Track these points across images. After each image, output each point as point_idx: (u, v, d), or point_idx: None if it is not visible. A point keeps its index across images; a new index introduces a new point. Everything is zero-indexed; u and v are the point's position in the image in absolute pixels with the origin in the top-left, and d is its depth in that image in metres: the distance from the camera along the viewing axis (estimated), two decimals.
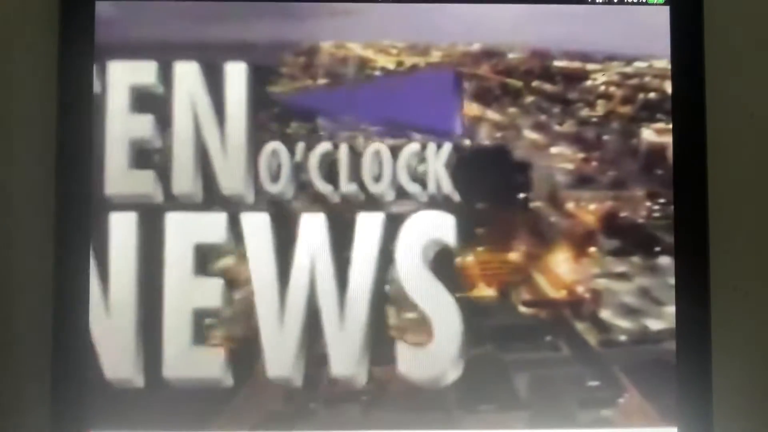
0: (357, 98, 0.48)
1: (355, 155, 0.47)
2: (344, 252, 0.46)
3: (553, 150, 0.50)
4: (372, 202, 0.47)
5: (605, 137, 0.52)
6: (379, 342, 0.46)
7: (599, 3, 0.52)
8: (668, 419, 0.50)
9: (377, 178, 0.47)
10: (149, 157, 0.46)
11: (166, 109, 0.46)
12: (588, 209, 0.51)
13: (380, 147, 0.47)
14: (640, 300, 0.51)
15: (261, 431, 0.46)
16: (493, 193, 0.48)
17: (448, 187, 0.48)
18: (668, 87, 0.53)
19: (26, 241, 0.49)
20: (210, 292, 0.45)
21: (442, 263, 0.47)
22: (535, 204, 0.49)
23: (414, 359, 0.46)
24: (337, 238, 0.46)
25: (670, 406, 0.50)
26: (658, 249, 0.51)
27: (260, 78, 0.47)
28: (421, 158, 0.47)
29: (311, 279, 0.46)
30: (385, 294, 0.47)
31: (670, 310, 0.51)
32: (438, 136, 0.48)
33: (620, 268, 0.51)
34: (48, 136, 0.48)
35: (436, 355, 0.47)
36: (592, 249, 0.50)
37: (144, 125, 0.46)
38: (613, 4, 0.52)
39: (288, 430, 0.46)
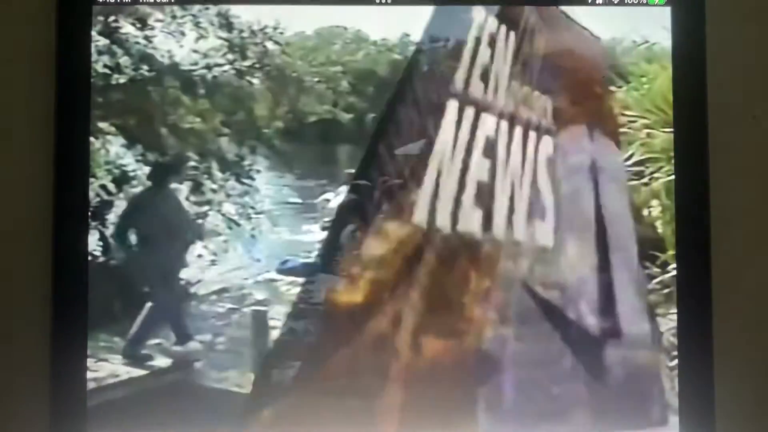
0: None
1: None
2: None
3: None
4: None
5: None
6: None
7: (599, 4, 0.52)
8: (670, 421, 0.51)
9: None
10: None
11: None
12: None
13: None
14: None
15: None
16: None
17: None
18: None
19: (25, 238, 0.51)
20: None
21: None
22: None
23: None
24: None
25: (672, 409, 0.51)
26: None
27: None
28: None
29: None
30: None
31: (671, 312, 0.52)
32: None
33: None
34: (46, 135, 0.50)
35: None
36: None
37: None
38: (614, 5, 0.52)
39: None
